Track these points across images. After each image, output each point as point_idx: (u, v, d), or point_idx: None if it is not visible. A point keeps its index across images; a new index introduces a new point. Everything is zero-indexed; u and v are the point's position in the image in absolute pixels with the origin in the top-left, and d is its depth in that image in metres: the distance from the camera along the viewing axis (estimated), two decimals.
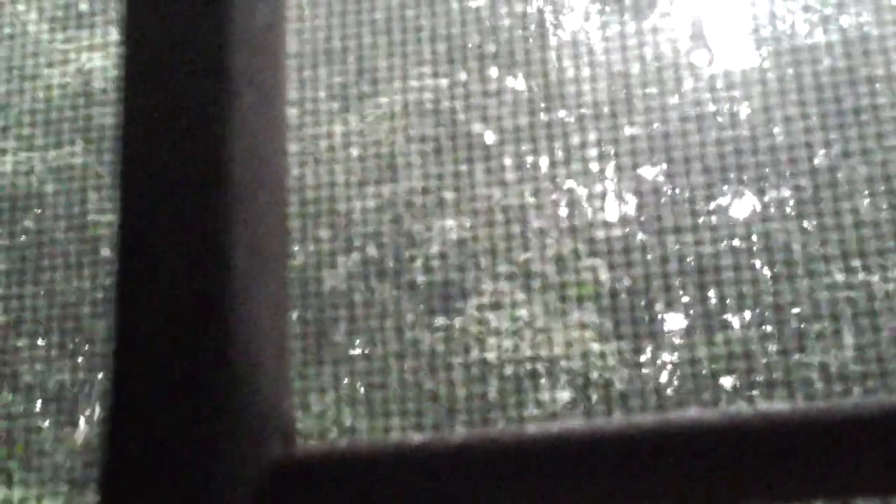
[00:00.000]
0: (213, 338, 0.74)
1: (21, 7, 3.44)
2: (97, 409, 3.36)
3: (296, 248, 3.09)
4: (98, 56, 3.43)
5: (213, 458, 0.74)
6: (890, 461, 0.67)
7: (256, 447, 0.75)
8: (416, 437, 0.75)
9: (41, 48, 3.42)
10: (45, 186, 3.32)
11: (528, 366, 3.03)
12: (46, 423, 3.28)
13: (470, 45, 3.25)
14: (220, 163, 0.77)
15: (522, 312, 3.12)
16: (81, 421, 3.38)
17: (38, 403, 3.29)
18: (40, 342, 3.21)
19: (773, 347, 2.88)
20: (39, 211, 3.34)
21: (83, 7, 3.45)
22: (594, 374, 2.97)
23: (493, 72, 3.33)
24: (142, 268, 0.76)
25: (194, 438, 0.75)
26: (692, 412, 0.73)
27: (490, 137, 3.20)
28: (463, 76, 3.29)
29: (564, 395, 3.01)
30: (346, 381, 3.09)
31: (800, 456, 0.69)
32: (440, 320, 3.13)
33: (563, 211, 3.29)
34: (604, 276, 3.02)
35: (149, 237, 0.76)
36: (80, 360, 3.31)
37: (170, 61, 0.80)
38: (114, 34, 3.49)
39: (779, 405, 0.70)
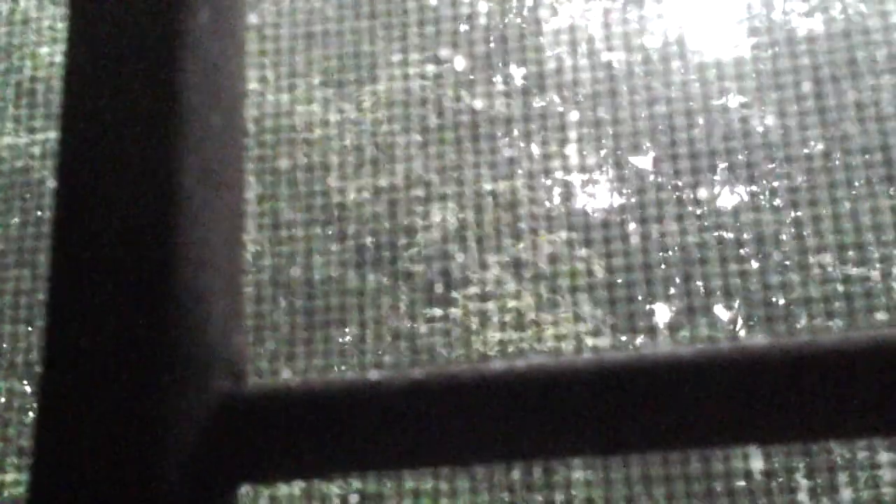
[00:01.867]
0: (157, 264, 0.70)
1: None
2: None
3: (287, 233, 3.05)
4: None
5: (158, 392, 0.70)
6: (875, 394, 0.63)
7: (203, 382, 0.71)
8: (374, 374, 0.71)
9: (35, 26, 3.38)
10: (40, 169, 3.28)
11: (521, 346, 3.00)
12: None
13: (463, 31, 3.21)
14: (171, 81, 0.73)
15: (514, 303, 3.08)
16: None
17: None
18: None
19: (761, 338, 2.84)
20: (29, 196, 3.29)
21: None
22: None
23: (488, 59, 3.29)
24: (84, 190, 0.72)
25: (138, 372, 0.70)
26: (666, 348, 0.69)
27: (484, 123, 3.16)
28: (458, 64, 3.25)
29: None
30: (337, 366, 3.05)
31: (779, 392, 0.65)
32: (433, 311, 3.09)
33: (556, 199, 3.25)
34: (596, 266, 2.98)
35: (94, 155, 0.72)
36: None
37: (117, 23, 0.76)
38: None
39: (758, 338, 0.65)
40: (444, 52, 3.22)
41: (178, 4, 0.74)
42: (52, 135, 3.31)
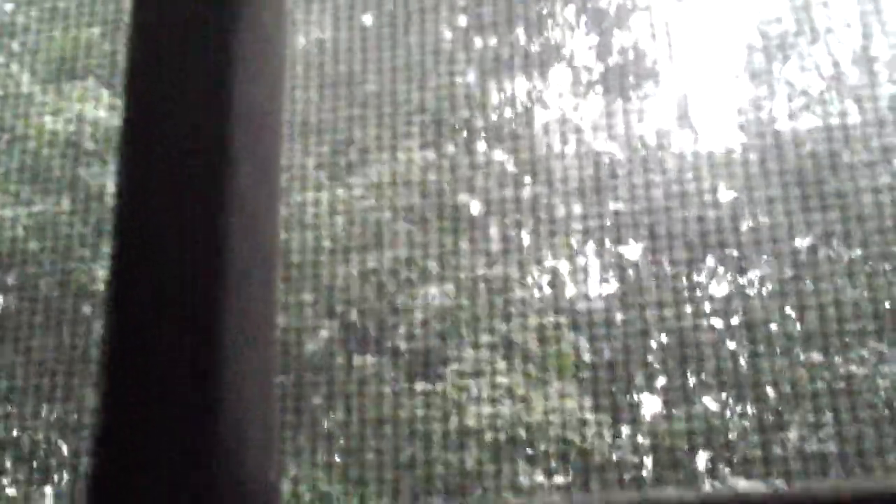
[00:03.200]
0: (201, 411, 0.75)
1: (14, 67, 3.47)
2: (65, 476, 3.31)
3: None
4: (90, 106, 3.45)
5: None
6: None
7: None
8: None
9: (34, 101, 3.44)
10: (30, 241, 3.32)
11: (509, 432, 3.03)
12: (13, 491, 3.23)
13: (456, 120, 3.29)
14: (216, 235, 0.78)
15: (503, 380, 3.12)
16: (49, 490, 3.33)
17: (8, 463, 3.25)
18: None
19: (749, 426, 2.88)
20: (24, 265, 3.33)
21: (76, 62, 3.48)
22: (576, 440, 2.96)
23: (480, 146, 3.37)
24: (133, 340, 0.77)
25: (176, 501, 0.75)
26: (669, 491, 0.74)
27: (475, 209, 3.22)
28: (450, 149, 3.32)
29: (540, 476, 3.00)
30: (323, 449, 3.07)
31: None
32: (421, 386, 3.12)
33: (546, 285, 3.30)
34: (585, 352, 3.03)
35: (142, 310, 0.77)
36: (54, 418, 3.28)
37: (171, 133, 0.82)
38: (104, 88, 3.51)
39: (756, 486, 0.71)
40: (436, 141, 3.29)
41: (223, 162, 0.80)
42: (46, 206, 3.35)
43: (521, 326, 3.16)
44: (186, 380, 0.75)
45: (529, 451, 3.03)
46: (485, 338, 3.18)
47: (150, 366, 0.76)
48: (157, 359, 0.76)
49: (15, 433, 3.20)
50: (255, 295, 0.79)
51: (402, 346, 3.20)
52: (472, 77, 3.31)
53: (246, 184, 0.80)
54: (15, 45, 3.49)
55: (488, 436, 3.05)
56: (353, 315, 3.23)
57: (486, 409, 3.08)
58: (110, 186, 3.31)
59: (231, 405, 0.75)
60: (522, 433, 3.05)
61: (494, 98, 3.38)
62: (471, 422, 3.06)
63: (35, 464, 3.26)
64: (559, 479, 2.98)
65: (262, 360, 0.78)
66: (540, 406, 3.04)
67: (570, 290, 3.33)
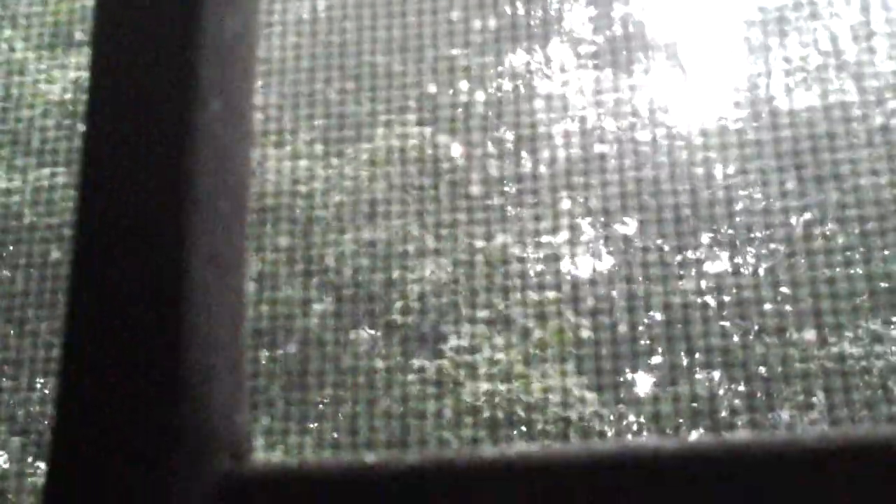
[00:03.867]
0: (165, 345, 0.73)
1: (7, 32, 3.44)
2: None
3: (275, 290, 3.07)
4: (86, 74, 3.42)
5: (160, 470, 0.72)
6: (857, 495, 0.65)
7: (205, 461, 0.73)
8: (370, 458, 0.73)
9: (28, 68, 3.42)
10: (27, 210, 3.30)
11: (506, 410, 3.01)
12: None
13: (452, 93, 3.27)
14: (183, 169, 0.76)
15: (501, 356, 3.11)
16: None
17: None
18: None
19: (741, 405, 2.87)
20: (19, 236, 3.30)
21: (73, 27, 3.46)
22: (574, 418, 2.95)
23: (477, 121, 3.34)
24: (97, 271, 0.74)
25: (141, 449, 0.72)
26: (652, 440, 0.72)
27: (474, 186, 3.20)
28: (447, 125, 3.30)
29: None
30: (316, 424, 3.06)
31: (762, 488, 0.68)
32: (418, 362, 3.11)
33: (542, 261, 3.29)
34: (584, 330, 3.01)
35: (106, 241, 0.74)
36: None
37: (138, 68, 0.79)
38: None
39: (740, 434, 0.68)
40: (434, 114, 3.27)
41: (190, 95, 0.77)
42: (39, 175, 3.33)
43: (517, 302, 3.14)
44: (151, 314, 0.72)
45: (525, 429, 3.02)
46: (482, 314, 3.16)
47: (113, 300, 0.73)
48: (120, 293, 0.73)
49: (10, 405, 3.19)
50: (224, 232, 0.76)
51: (398, 320, 3.18)
52: (469, 50, 3.29)
53: (215, 118, 0.77)
54: (8, 10, 3.46)
55: (486, 413, 3.04)
56: (349, 289, 3.21)
57: (484, 386, 3.07)
58: None
59: (198, 343, 0.73)
60: (521, 411, 3.03)
61: (492, 72, 3.35)
62: (468, 399, 3.04)
63: (30, 437, 3.25)
64: None
65: (231, 299, 0.75)
66: (538, 384, 3.02)
67: (565, 267, 3.31)
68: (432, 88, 3.20)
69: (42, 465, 3.22)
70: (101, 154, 0.76)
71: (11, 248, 3.28)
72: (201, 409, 0.73)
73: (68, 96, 3.39)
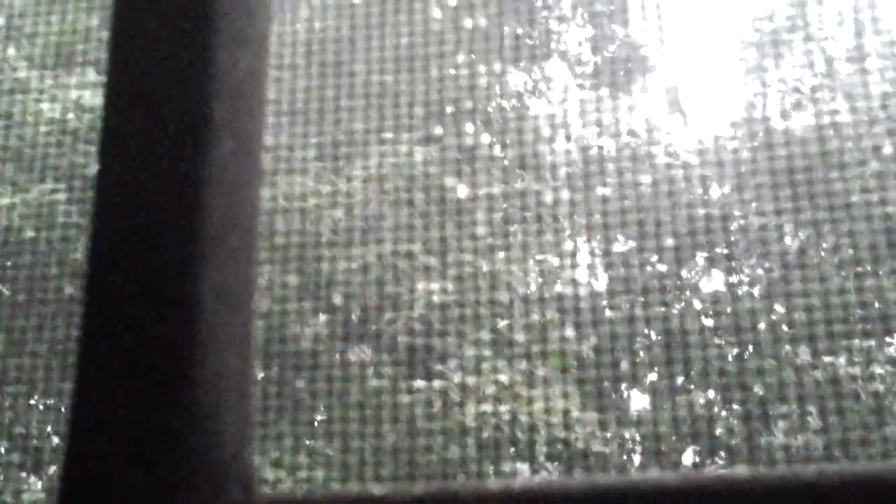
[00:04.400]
0: (176, 380, 0.74)
1: (11, 51, 3.45)
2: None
3: (275, 306, 3.08)
4: (88, 94, 3.43)
5: (171, 501, 0.73)
6: None
7: (215, 493, 0.74)
8: (377, 489, 0.75)
9: (30, 87, 3.43)
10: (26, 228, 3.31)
11: (506, 430, 3.02)
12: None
13: (450, 112, 3.28)
14: (195, 206, 0.77)
15: (501, 377, 3.11)
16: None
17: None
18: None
19: (737, 422, 2.88)
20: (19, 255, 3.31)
21: (75, 48, 3.47)
22: (572, 439, 2.96)
23: (472, 138, 3.36)
24: (109, 306, 0.76)
25: (153, 483, 0.74)
26: (653, 474, 0.73)
27: (474, 205, 3.21)
28: (448, 141, 3.31)
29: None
30: (317, 442, 3.07)
31: None
32: (419, 383, 3.11)
33: (538, 280, 3.30)
34: (583, 347, 3.02)
35: (118, 277, 0.76)
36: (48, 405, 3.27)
37: (151, 105, 0.81)
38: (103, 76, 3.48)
39: (739, 470, 0.70)
40: (432, 133, 3.28)
41: (203, 133, 0.79)
42: (40, 190, 3.34)
43: (515, 323, 3.15)
44: (162, 348, 0.73)
45: (519, 448, 3.03)
46: (482, 335, 3.17)
47: (124, 335, 0.75)
48: (131, 328, 0.75)
49: (7, 421, 3.19)
50: (233, 267, 0.78)
51: (399, 340, 3.18)
52: (465, 68, 3.30)
53: (226, 156, 0.79)
54: (12, 30, 3.47)
55: (485, 434, 3.05)
56: (350, 307, 3.22)
57: (484, 408, 3.08)
58: None
59: (207, 377, 0.74)
60: (519, 433, 3.04)
61: (487, 89, 3.37)
62: (467, 419, 3.05)
63: (27, 452, 3.25)
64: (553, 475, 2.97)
65: (241, 332, 0.77)
66: (538, 404, 3.03)
67: (560, 287, 3.32)
68: (437, 119, 3.22)
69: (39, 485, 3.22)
70: (114, 189, 0.78)
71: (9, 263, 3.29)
72: (211, 442, 0.75)
73: (70, 116, 3.40)
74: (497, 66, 3.36)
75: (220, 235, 0.78)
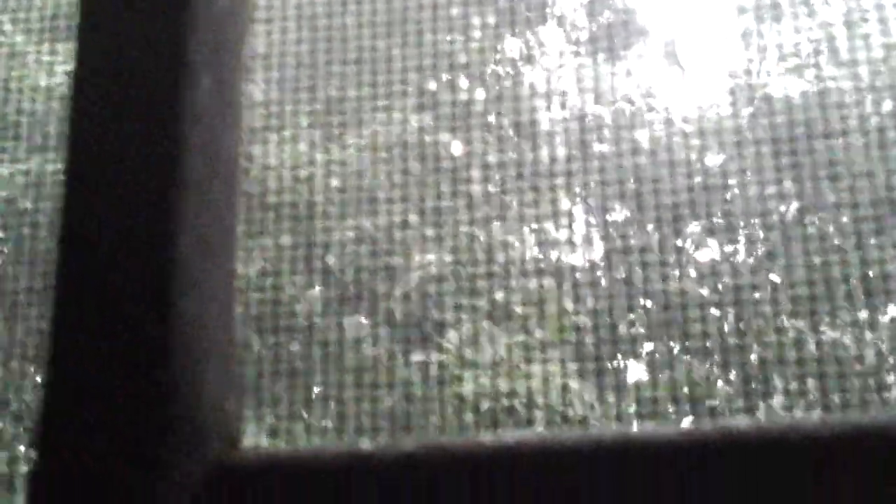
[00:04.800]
0: (154, 330, 0.71)
1: (7, 27, 3.41)
2: None
3: (272, 277, 3.06)
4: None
5: (150, 457, 0.71)
6: (857, 481, 0.64)
7: (196, 448, 0.72)
8: (366, 444, 0.72)
9: (27, 59, 3.39)
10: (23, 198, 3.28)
11: (505, 402, 3.00)
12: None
13: (444, 79, 3.25)
14: (173, 150, 0.74)
15: (500, 349, 3.09)
16: None
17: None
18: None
19: (734, 393, 2.86)
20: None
21: (71, 21, 3.44)
22: (570, 412, 2.94)
23: (467, 94, 3.32)
24: (84, 254, 0.73)
25: (130, 436, 0.71)
26: (651, 428, 0.71)
27: (469, 161, 3.18)
28: (442, 97, 3.28)
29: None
30: (312, 411, 3.05)
31: (761, 475, 0.67)
32: (417, 355, 3.09)
33: (534, 248, 3.27)
34: (581, 318, 3.00)
35: (93, 223, 0.73)
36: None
37: (126, 45, 0.77)
38: None
39: (740, 420, 0.67)
40: (428, 98, 3.25)
41: (180, 74, 0.76)
42: (36, 163, 3.31)
43: (514, 291, 3.13)
44: (139, 300, 0.71)
45: (517, 419, 3.01)
46: (479, 303, 3.15)
47: (100, 286, 0.72)
48: (107, 279, 0.72)
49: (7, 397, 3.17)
50: (214, 215, 0.75)
51: (396, 310, 3.16)
52: (461, 35, 3.26)
53: (205, 97, 0.76)
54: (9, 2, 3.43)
55: (484, 405, 3.03)
56: (347, 276, 3.19)
57: (482, 380, 3.05)
58: None
59: (187, 326, 0.71)
60: (517, 404, 3.02)
61: (481, 52, 3.33)
62: (465, 390, 3.03)
63: (23, 427, 3.23)
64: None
65: (222, 281, 0.74)
66: (535, 377, 3.01)
67: (556, 254, 3.30)
68: (432, 85, 3.19)
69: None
70: (87, 136, 0.75)
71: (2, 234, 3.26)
72: (191, 396, 0.72)
73: (58, 82, 3.36)
74: (491, 32, 3.32)
75: (200, 182, 0.75)
